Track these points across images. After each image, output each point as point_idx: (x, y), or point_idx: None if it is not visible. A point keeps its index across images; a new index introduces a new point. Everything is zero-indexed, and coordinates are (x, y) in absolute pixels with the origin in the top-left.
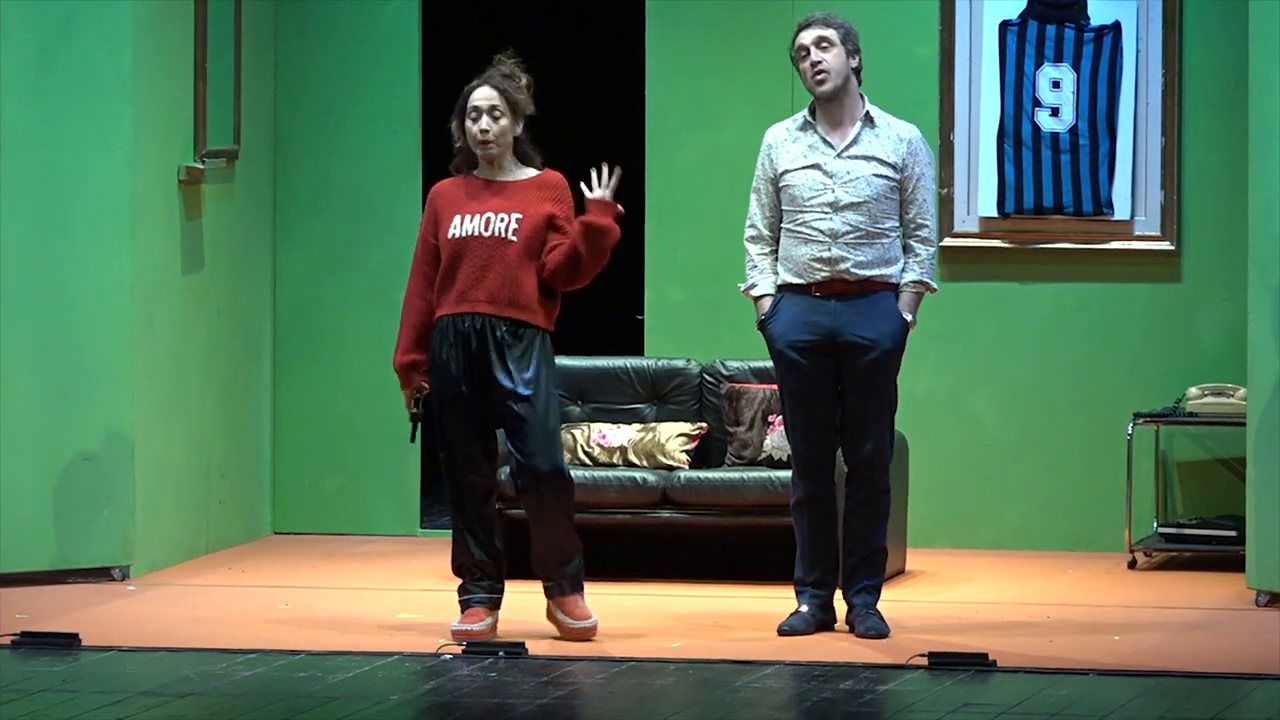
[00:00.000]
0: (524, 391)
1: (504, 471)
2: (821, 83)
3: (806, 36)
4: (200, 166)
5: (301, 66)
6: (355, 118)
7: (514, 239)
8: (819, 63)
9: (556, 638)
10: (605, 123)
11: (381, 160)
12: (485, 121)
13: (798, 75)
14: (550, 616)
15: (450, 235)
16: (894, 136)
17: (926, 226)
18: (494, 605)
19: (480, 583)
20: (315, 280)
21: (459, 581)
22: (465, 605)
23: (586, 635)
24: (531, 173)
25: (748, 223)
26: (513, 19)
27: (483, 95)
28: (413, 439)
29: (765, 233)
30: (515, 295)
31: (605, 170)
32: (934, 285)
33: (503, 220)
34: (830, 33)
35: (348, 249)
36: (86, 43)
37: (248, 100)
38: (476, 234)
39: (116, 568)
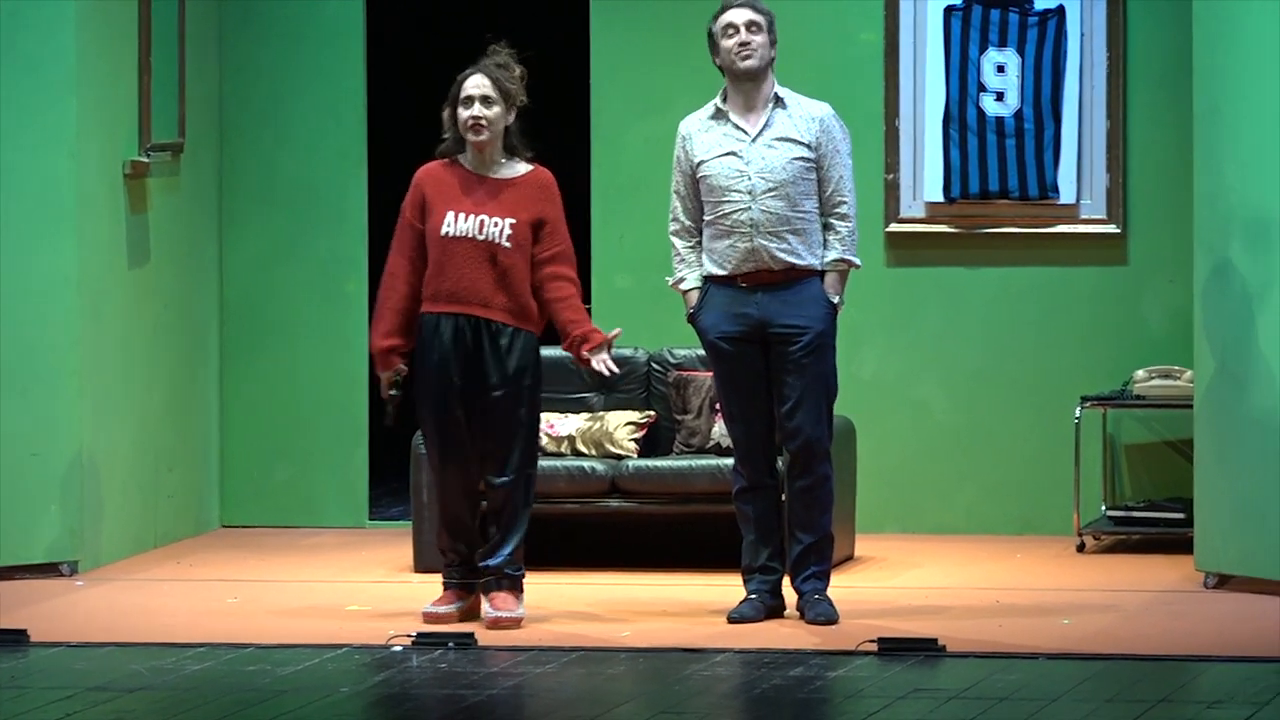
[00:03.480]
0: (509, 387)
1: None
2: (747, 58)
3: (738, 16)
4: (145, 160)
5: (246, 59)
6: (301, 110)
7: (508, 245)
8: (747, 42)
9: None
10: (551, 111)
11: (328, 152)
12: (478, 108)
13: (714, 58)
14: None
15: (444, 233)
16: (805, 116)
17: (845, 203)
18: (469, 590)
19: (457, 568)
20: (262, 272)
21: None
22: (444, 588)
23: (510, 625)
24: (522, 169)
25: (670, 217)
26: (457, 9)
27: (476, 83)
28: (389, 422)
29: (688, 224)
30: (507, 300)
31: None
32: (856, 261)
33: (496, 225)
34: (760, 18)
35: (294, 241)
36: (31, 37)
37: (192, 93)
38: (470, 235)
39: (65, 563)
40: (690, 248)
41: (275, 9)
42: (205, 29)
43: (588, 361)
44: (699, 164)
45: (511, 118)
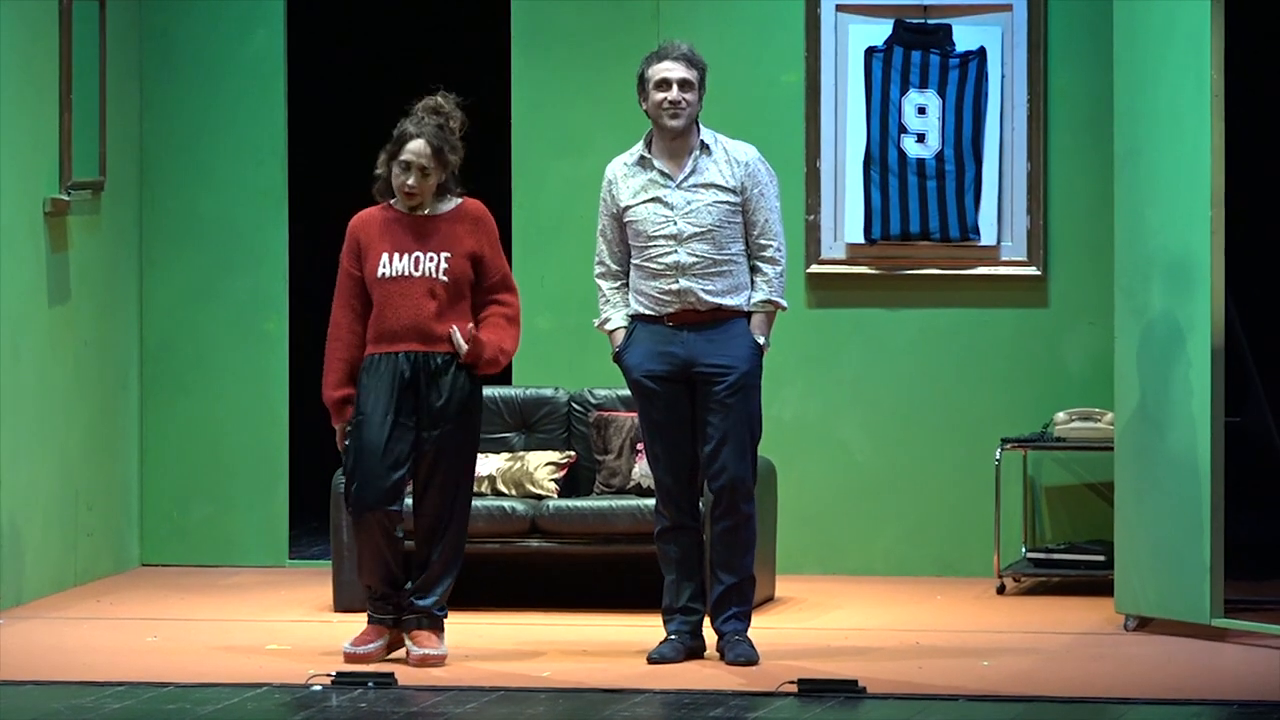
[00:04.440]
0: (450, 417)
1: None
2: (675, 118)
3: (672, 72)
4: (66, 198)
5: (167, 97)
6: (222, 149)
7: (445, 279)
8: (677, 101)
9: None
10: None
11: (248, 191)
12: (414, 180)
13: (641, 103)
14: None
15: (380, 275)
16: (731, 160)
17: (772, 245)
18: (390, 625)
19: (380, 604)
20: (182, 311)
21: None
22: (368, 622)
23: (436, 663)
24: (453, 203)
25: (596, 259)
26: (378, 48)
27: (416, 150)
28: (346, 471)
29: (614, 267)
30: (445, 330)
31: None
32: (783, 303)
33: (432, 260)
34: (694, 74)
35: (215, 280)
36: None
37: (113, 131)
38: (407, 274)
39: None
40: (615, 289)
41: (196, 48)
42: (126, 67)
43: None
44: (624, 209)
45: (445, 175)
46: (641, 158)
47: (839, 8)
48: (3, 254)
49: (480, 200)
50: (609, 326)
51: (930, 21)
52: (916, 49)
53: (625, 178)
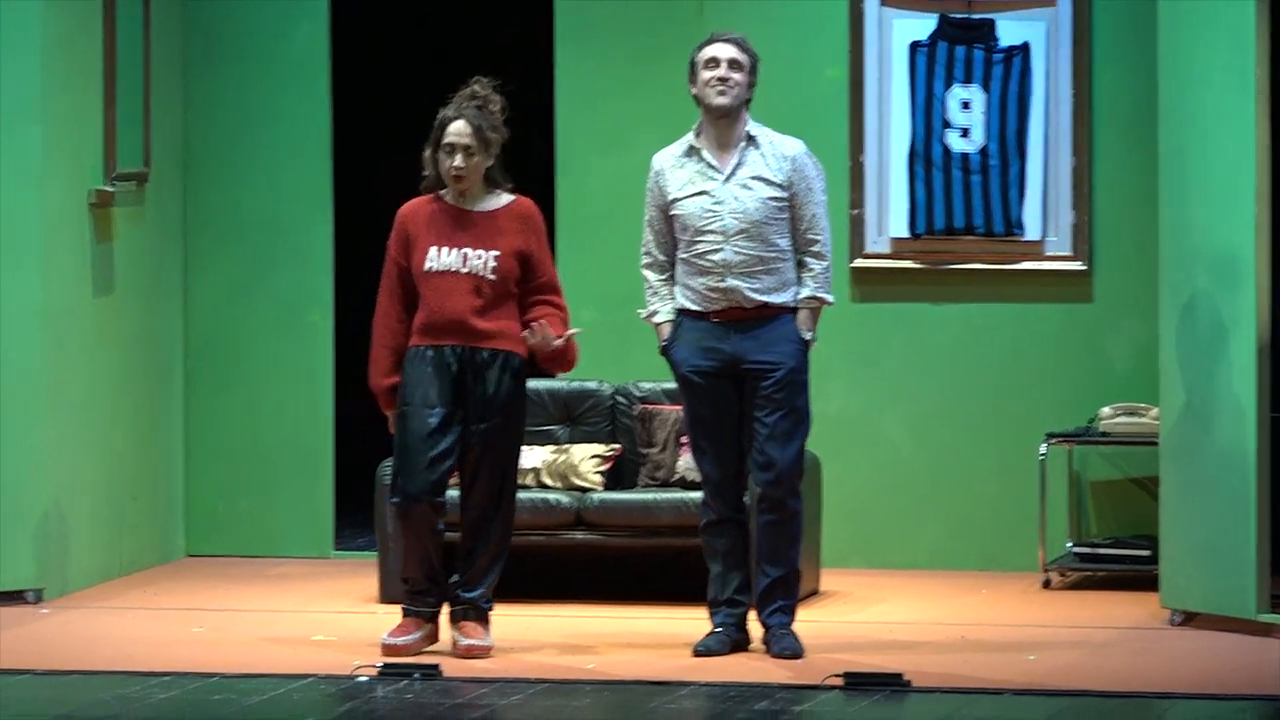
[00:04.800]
0: (497, 409)
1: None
2: (723, 94)
3: (722, 51)
4: (111, 189)
5: (212, 91)
6: (266, 143)
7: (492, 276)
8: (726, 79)
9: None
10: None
11: (292, 186)
12: (459, 159)
13: (691, 89)
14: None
15: (427, 268)
16: (778, 154)
17: (819, 241)
18: (430, 619)
19: (420, 597)
20: (226, 304)
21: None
22: (403, 614)
23: (482, 654)
24: (503, 200)
25: (643, 250)
26: (422, 43)
27: (457, 131)
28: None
29: (661, 258)
30: (493, 327)
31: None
32: (829, 299)
33: (480, 257)
34: (744, 58)
35: (259, 273)
36: None
37: (158, 123)
38: (454, 269)
39: (30, 591)
40: (662, 281)
41: (240, 42)
42: (170, 58)
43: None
44: (671, 201)
45: (491, 159)
46: (690, 148)
47: (884, 2)
48: (48, 245)
49: (527, 194)
50: (656, 319)
51: (975, 16)
52: (961, 44)
53: (673, 169)
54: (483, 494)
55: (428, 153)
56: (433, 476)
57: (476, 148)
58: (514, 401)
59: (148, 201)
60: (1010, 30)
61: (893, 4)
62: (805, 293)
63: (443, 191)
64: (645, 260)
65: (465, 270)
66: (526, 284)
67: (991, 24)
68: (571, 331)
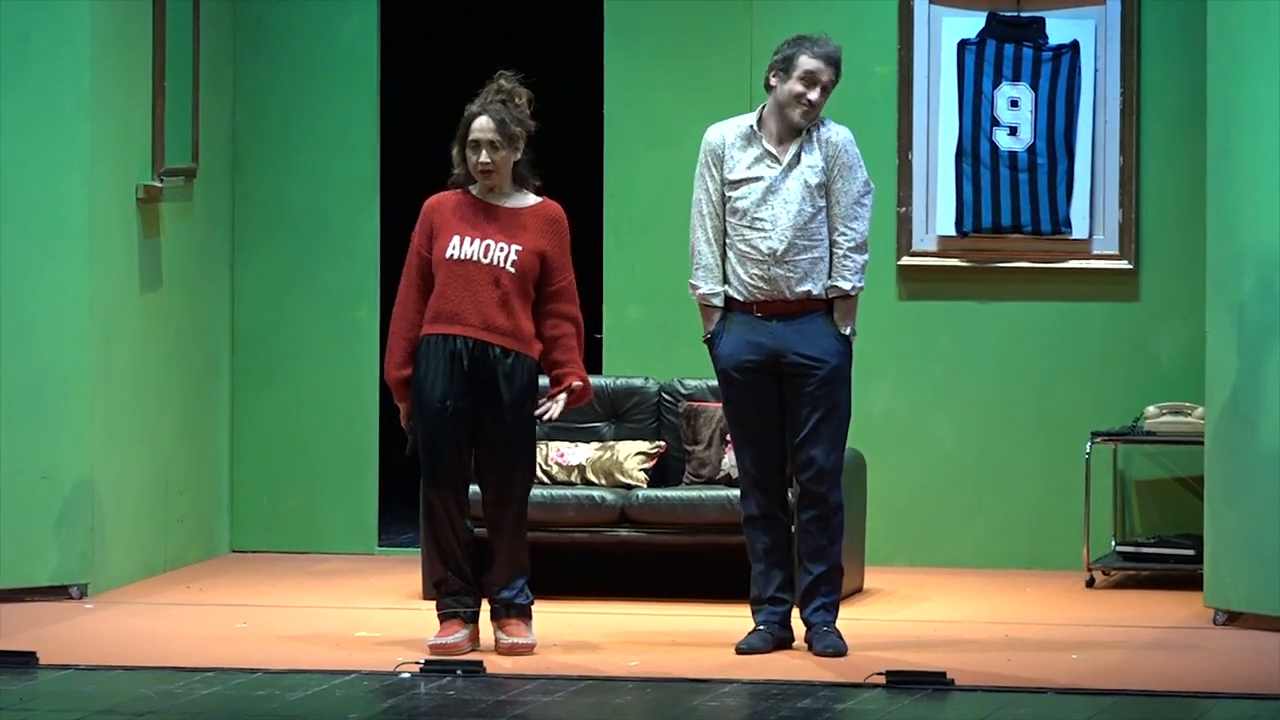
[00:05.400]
0: (508, 409)
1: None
2: (806, 115)
3: (822, 73)
4: (159, 185)
5: (260, 86)
6: (313, 138)
7: (511, 270)
8: (816, 104)
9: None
10: (564, 142)
11: (340, 181)
12: (485, 155)
13: (772, 78)
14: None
15: (448, 255)
16: (824, 141)
17: (852, 230)
18: (470, 619)
19: (455, 598)
20: (273, 299)
21: (419, 599)
22: (442, 619)
23: (525, 652)
24: (531, 200)
25: (694, 221)
26: (470, 39)
27: (482, 126)
28: (409, 451)
29: (714, 224)
30: (508, 324)
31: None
32: (847, 286)
33: (502, 250)
34: (835, 78)
35: (306, 269)
36: (44, 61)
37: (206, 119)
38: (475, 259)
39: (74, 585)
40: (714, 257)
41: (288, 37)
42: (219, 56)
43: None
44: (731, 181)
45: (519, 154)
46: (752, 129)
47: (933, 0)
48: (96, 241)
49: (573, 190)
50: (714, 301)
51: (1023, 14)
52: (1009, 42)
53: (733, 149)
54: (495, 491)
55: (455, 150)
56: (452, 469)
57: (502, 142)
58: (525, 402)
59: (195, 196)
60: (1059, 29)
61: (942, 2)
62: (840, 286)
63: (471, 187)
64: (697, 232)
65: (486, 261)
66: (544, 287)
67: (1041, 22)
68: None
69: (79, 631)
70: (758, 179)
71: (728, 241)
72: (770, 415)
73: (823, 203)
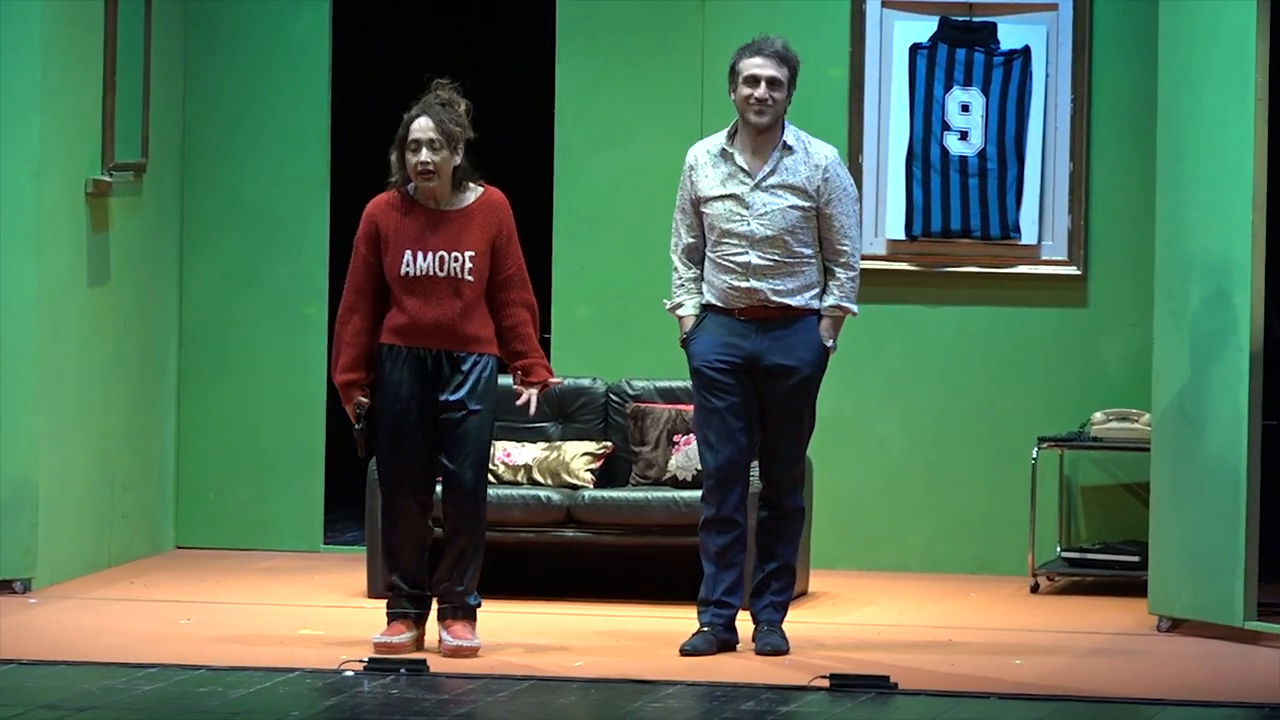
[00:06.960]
0: (469, 406)
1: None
2: (761, 114)
3: (763, 69)
4: (108, 179)
5: (211, 81)
6: (264, 133)
7: (471, 279)
8: (765, 99)
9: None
10: (514, 141)
11: (290, 177)
12: (426, 154)
13: (730, 93)
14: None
15: (403, 273)
16: (810, 164)
17: (845, 251)
18: (418, 622)
19: (406, 598)
20: (222, 295)
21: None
22: (390, 619)
23: (469, 654)
24: (473, 195)
25: (673, 240)
26: (422, 36)
27: (421, 127)
28: (361, 454)
29: (690, 241)
30: (471, 331)
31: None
32: (854, 309)
33: (457, 260)
34: (784, 73)
35: (255, 264)
36: None
37: (156, 114)
38: (431, 273)
39: (18, 580)
40: (691, 275)
41: (240, 33)
42: (170, 51)
43: (520, 392)
44: (702, 199)
45: (459, 157)
46: (724, 150)
47: (885, 4)
48: (44, 234)
49: (523, 191)
50: (681, 312)
51: (975, 19)
52: (961, 46)
53: (707, 166)
54: (454, 489)
55: (394, 155)
56: (416, 472)
57: (441, 142)
58: (485, 398)
59: (145, 191)
60: (1011, 34)
61: (894, 6)
62: (830, 302)
63: (410, 187)
64: (676, 251)
65: (443, 274)
66: (494, 276)
67: (993, 27)
68: (554, 381)
69: (22, 627)
70: (729, 196)
71: (706, 253)
72: (738, 414)
73: (806, 221)
